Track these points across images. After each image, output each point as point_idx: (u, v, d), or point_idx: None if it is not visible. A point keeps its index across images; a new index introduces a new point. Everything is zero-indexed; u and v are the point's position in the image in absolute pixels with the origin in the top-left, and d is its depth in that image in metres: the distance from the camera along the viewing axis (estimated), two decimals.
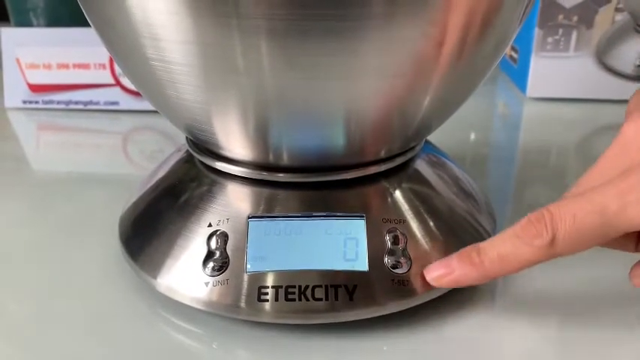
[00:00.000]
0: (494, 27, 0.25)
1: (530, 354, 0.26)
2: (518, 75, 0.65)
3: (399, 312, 0.27)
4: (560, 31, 0.59)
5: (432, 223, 0.29)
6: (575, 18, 0.58)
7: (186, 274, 0.27)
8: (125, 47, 0.25)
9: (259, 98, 0.24)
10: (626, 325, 0.28)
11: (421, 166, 0.32)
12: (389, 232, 0.27)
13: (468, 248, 0.25)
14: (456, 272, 0.25)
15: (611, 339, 0.27)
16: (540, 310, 0.29)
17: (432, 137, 0.36)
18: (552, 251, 0.23)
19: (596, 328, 0.27)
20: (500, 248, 0.24)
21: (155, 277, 0.28)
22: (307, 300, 0.26)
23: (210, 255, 0.27)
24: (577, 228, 0.22)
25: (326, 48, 0.22)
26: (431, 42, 0.23)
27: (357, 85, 0.24)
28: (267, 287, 0.26)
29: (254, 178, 0.28)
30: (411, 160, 0.31)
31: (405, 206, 0.29)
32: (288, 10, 0.20)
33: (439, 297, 0.28)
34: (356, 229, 0.27)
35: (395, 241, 0.27)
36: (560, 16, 0.58)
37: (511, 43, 0.28)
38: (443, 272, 0.25)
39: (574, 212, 0.22)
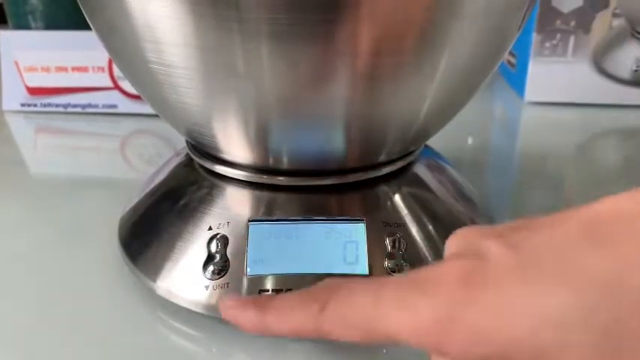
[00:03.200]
0: (493, 33, 0.25)
1: None
2: (516, 79, 0.65)
3: None
4: (558, 36, 0.59)
5: (431, 227, 0.29)
6: (572, 23, 0.58)
7: (186, 277, 0.27)
8: (126, 51, 0.25)
9: (260, 102, 0.24)
10: None
11: (420, 170, 0.32)
12: (389, 235, 0.28)
13: (265, 296, 0.23)
14: (241, 314, 0.22)
15: None
16: None
17: (431, 141, 0.36)
18: (320, 321, 0.19)
19: None
20: (285, 304, 0.21)
21: (155, 281, 0.28)
22: None
23: (210, 258, 0.27)
24: (346, 305, 0.19)
25: (327, 52, 0.22)
26: (430, 48, 0.23)
27: (355, 91, 0.24)
28: (268, 291, 0.26)
29: (254, 181, 0.28)
30: (411, 164, 0.32)
31: (404, 210, 0.29)
32: (288, 14, 0.21)
33: None
34: (356, 232, 0.27)
35: (395, 244, 0.27)
36: (558, 21, 0.58)
37: (510, 48, 0.28)
38: (234, 304, 0.22)
39: (353, 289, 0.19)
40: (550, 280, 0.15)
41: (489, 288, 0.16)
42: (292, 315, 0.20)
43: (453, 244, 0.19)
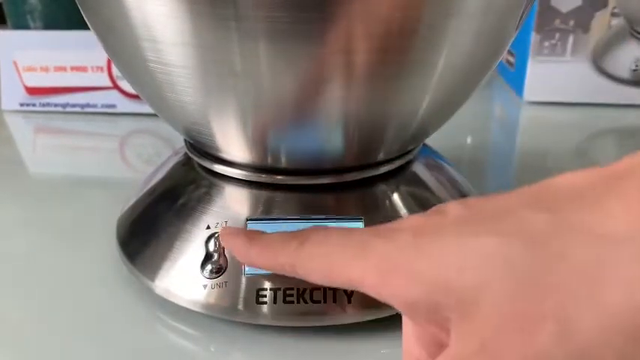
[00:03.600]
0: (491, 32, 0.25)
1: None
2: (515, 79, 0.65)
3: (397, 315, 0.27)
4: (557, 35, 0.59)
5: None
6: (571, 22, 0.58)
7: (184, 276, 0.27)
8: (124, 50, 0.25)
9: (258, 101, 0.24)
10: None
11: (419, 169, 0.32)
12: None
13: (259, 232, 0.24)
14: (232, 241, 0.24)
15: None
16: None
17: (430, 140, 0.36)
18: (294, 257, 0.20)
19: None
20: (271, 239, 0.22)
21: (153, 280, 0.28)
22: (305, 302, 0.26)
23: (208, 257, 0.27)
24: (318, 246, 0.20)
25: (325, 51, 0.22)
26: (428, 47, 0.23)
27: (354, 90, 0.24)
28: (266, 290, 0.26)
29: (252, 180, 0.28)
30: (409, 163, 0.32)
31: (403, 209, 0.29)
32: (286, 12, 0.21)
33: None
34: None
35: None
36: (557, 21, 0.58)
37: (508, 48, 0.28)
38: (230, 231, 0.24)
39: (329, 233, 0.20)
40: (484, 230, 0.16)
41: (433, 237, 0.17)
42: (273, 249, 0.22)
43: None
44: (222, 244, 0.25)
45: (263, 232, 0.23)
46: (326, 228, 0.21)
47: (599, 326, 0.13)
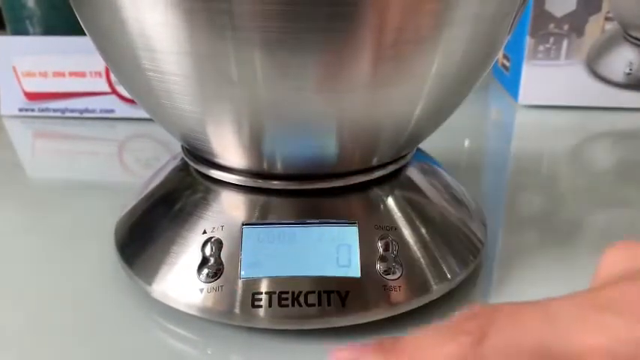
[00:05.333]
0: (484, 38, 0.25)
1: None
2: (511, 82, 0.65)
3: (391, 317, 0.27)
4: (552, 39, 0.59)
5: (423, 230, 0.29)
6: (565, 27, 0.59)
7: (181, 280, 0.28)
8: (121, 58, 0.25)
9: (253, 108, 0.24)
10: None
11: (413, 173, 0.32)
12: (381, 238, 0.28)
13: (387, 339, 0.19)
14: (361, 354, 0.19)
15: None
16: None
17: (426, 143, 0.36)
18: (480, 352, 0.17)
19: None
20: (421, 339, 0.18)
21: (150, 284, 0.28)
22: (300, 306, 0.26)
23: (204, 261, 0.27)
24: (513, 327, 0.17)
25: (318, 60, 0.22)
26: (420, 54, 0.23)
27: (348, 96, 0.24)
28: (261, 293, 0.26)
29: (248, 185, 0.29)
30: (403, 167, 0.32)
31: (397, 213, 0.29)
32: (281, 22, 0.21)
33: (431, 302, 0.28)
34: (349, 235, 0.28)
35: (387, 247, 0.28)
36: (551, 25, 0.59)
37: (500, 52, 0.29)
38: (349, 354, 0.20)
39: (516, 310, 0.17)
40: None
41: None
42: (437, 352, 0.17)
43: (612, 259, 0.18)
44: None
45: (392, 339, 0.19)
46: (503, 307, 0.17)
47: None
